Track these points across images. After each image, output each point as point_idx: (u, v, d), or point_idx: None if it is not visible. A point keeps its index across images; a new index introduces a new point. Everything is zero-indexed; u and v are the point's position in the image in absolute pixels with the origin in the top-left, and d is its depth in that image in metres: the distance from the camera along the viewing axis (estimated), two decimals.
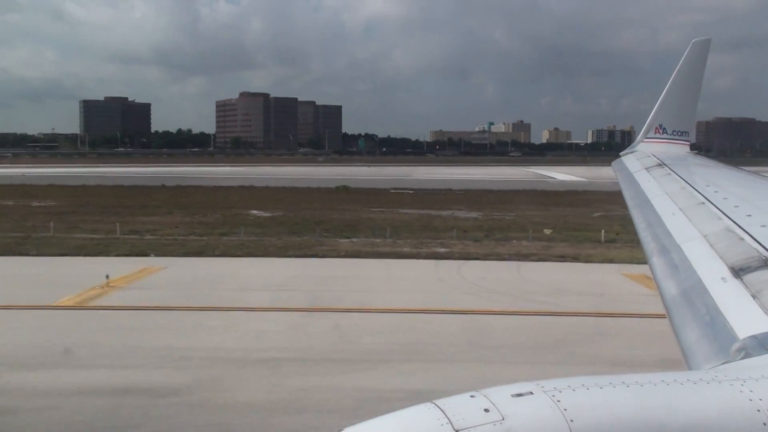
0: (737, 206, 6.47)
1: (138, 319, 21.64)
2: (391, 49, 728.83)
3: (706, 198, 7.08)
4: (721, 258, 5.24)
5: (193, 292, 25.13)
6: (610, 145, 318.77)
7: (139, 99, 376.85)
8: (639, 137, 12.13)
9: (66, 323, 21.43)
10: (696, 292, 4.92)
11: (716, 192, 7.27)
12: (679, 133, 11.74)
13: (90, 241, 36.59)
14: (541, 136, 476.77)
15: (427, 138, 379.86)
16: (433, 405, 2.64)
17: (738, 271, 4.84)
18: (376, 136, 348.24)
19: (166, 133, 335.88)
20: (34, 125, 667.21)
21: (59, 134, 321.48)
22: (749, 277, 4.68)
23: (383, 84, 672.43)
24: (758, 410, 2.77)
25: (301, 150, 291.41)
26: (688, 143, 11.95)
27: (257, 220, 48.83)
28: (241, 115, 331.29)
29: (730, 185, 8.03)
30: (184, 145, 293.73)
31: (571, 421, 2.54)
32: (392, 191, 77.10)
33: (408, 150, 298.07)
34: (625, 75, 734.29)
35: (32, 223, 43.67)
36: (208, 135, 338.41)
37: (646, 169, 9.89)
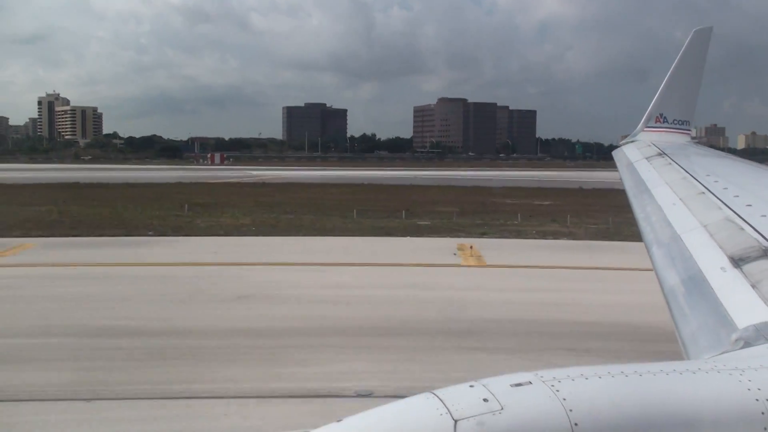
0: (737, 196, 6.21)
1: None
2: (565, 52, 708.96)
3: (706, 188, 6.80)
4: (720, 248, 5.07)
5: None
6: None
7: (335, 105, 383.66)
8: (639, 126, 11.77)
9: None
10: (695, 282, 4.78)
11: (716, 182, 6.95)
12: (680, 123, 11.65)
13: None
14: (737, 140, 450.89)
15: (619, 142, 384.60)
16: (432, 395, 2.56)
17: (738, 261, 4.69)
18: (571, 140, 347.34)
19: (364, 138, 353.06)
20: (222, 129, 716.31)
21: (264, 138, 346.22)
22: (749, 267, 4.54)
23: (557, 87, 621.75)
24: (756, 399, 2.68)
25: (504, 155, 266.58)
26: (689, 132, 11.81)
27: None
28: (440, 120, 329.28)
29: (730, 175, 7.69)
30: (381, 149, 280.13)
31: (570, 410, 2.49)
32: None
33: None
34: None
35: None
36: (403, 139, 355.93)
37: (647, 158, 9.55)
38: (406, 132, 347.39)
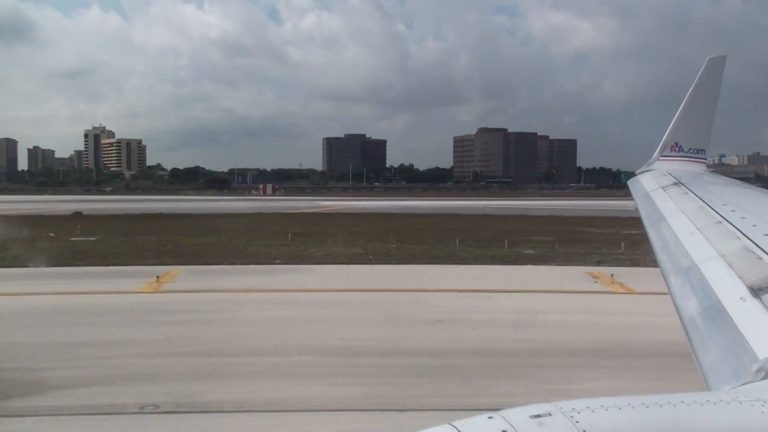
0: (755, 225, 6.14)
1: None
2: (600, 81, 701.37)
3: (723, 217, 6.69)
4: (739, 277, 4.99)
5: None
6: None
7: (372, 135, 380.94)
8: (655, 155, 11.65)
9: None
10: (714, 312, 4.71)
11: (733, 211, 6.82)
12: (695, 151, 11.52)
13: None
14: None
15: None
16: (451, 426, 2.52)
17: (757, 291, 4.62)
18: (611, 169, 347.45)
19: (403, 168, 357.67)
20: (260, 160, 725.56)
21: (305, 169, 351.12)
22: None
23: (594, 116, 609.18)
24: None
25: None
26: (705, 161, 11.65)
27: None
28: (480, 150, 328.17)
29: (747, 204, 7.49)
30: (421, 179, 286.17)
31: None
32: None
33: None
34: None
35: None
36: (443, 169, 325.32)
37: (663, 188, 9.41)
38: (443, 161, 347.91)
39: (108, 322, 21.77)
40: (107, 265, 36.23)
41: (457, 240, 47.75)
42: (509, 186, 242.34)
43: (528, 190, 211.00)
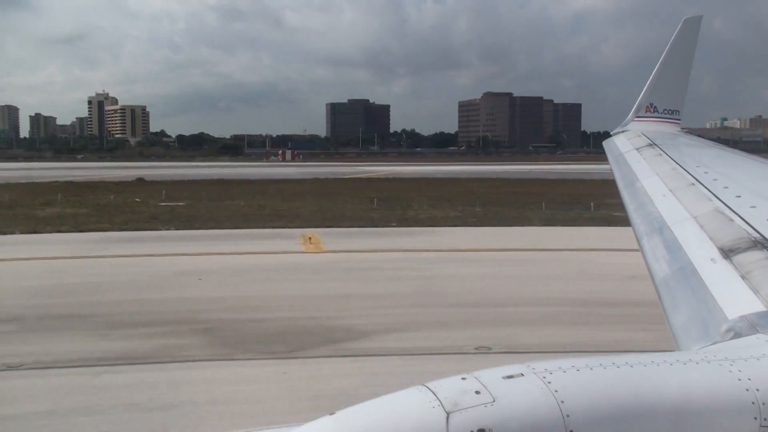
0: (727, 187, 6.14)
1: None
2: (599, 44, 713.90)
3: (696, 179, 6.71)
4: (710, 239, 5.03)
5: None
6: None
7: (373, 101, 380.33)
8: (629, 116, 11.51)
9: None
10: (686, 274, 4.74)
11: (706, 173, 6.85)
12: (670, 112, 11.43)
13: None
14: None
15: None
16: (425, 387, 2.58)
17: (727, 252, 4.66)
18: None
19: (406, 133, 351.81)
20: (259, 126, 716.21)
21: (308, 134, 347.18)
22: (738, 258, 4.52)
23: (591, 79, 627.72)
24: (746, 390, 2.70)
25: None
26: (679, 122, 11.50)
27: None
28: (485, 115, 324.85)
29: (719, 166, 7.49)
30: (426, 144, 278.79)
31: (562, 402, 2.51)
32: None
33: None
34: None
35: None
36: (447, 134, 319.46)
37: (637, 149, 9.41)
38: (446, 126, 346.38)
39: (328, 278, 22.69)
40: (229, 228, 37.20)
41: (543, 203, 49.16)
42: (561, 150, 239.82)
43: (540, 155, 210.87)
